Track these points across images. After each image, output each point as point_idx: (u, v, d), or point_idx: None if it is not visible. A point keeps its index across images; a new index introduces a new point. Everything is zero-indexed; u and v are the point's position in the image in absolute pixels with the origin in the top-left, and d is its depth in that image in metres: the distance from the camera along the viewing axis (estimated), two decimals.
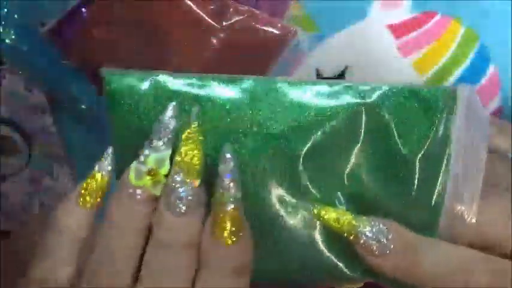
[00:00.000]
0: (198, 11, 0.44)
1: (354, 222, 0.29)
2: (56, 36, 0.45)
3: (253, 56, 0.45)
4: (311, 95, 0.30)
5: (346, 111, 0.30)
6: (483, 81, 0.49)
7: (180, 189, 0.28)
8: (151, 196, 0.29)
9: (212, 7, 0.44)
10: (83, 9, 0.45)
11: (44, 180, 0.51)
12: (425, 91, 0.31)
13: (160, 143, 0.28)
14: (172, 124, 0.29)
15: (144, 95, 0.30)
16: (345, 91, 0.31)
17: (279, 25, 0.45)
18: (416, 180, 0.31)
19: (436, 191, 0.31)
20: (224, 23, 0.44)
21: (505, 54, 0.49)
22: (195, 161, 0.28)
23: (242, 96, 0.30)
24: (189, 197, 0.28)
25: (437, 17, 0.49)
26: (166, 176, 0.28)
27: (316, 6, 0.49)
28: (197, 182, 0.28)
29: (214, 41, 0.44)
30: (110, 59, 0.46)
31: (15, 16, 0.45)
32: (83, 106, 0.48)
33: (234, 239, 0.27)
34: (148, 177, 0.28)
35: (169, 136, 0.29)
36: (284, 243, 0.31)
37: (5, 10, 0.45)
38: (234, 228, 0.27)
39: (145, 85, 0.30)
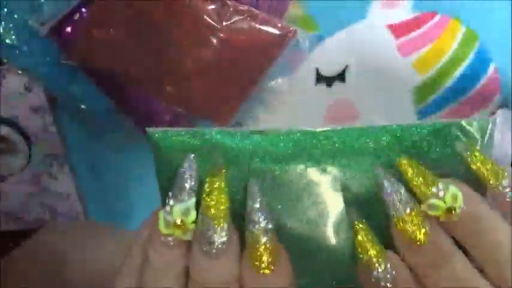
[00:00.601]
0: (198, 11, 0.44)
1: (373, 265, 0.30)
2: (56, 36, 0.46)
3: (253, 56, 0.45)
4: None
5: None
6: (483, 81, 0.49)
7: (211, 234, 0.29)
8: (184, 241, 0.30)
9: (212, 7, 0.44)
10: (83, 9, 0.45)
11: (44, 180, 0.51)
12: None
13: (184, 193, 0.29)
14: (192, 174, 0.30)
15: (195, 150, 0.31)
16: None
17: (279, 25, 0.45)
18: None
19: None
20: (224, 23, 0.44)
21: (505, 54, 0.49)
22: (221, 206, 0.29)
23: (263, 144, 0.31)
24: (220, 240, 0.29)
25: (437, 17, 0.49)
26: (195, 221, 0.29)
27: (316, 6, 0.49)
28: (225, 225, 0.29)
29: (214, 40, 0.44)
30: (110, 59, 0.46)
31: (15, 16, 0.45)
32: (83, 106, 0.48)
33: (273, 268, 0.29)
34: (177, 229, 0.29)
35: (191, 186, 0.30)
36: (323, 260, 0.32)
37: (5, 10, 0.45)
38: (271, 259, 0.29)
39: (194, 141, 0.31)
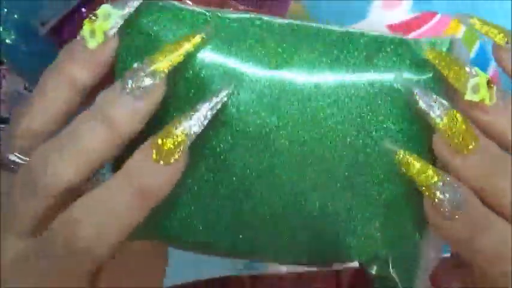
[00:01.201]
0: None
1: (434, 179, 0.28)
2: (56, 36, 0.45)
3: None
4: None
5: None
6: None
7: (142, 75, 0.28)
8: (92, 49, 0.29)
9: (212, 7, 0.44)
10: (83, 9, 0.45)
11: None
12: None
13: (119, 2, 0.29)
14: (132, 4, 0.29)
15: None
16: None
17: None
18: None
19: None
20: None
21: None
22: (171, 58, 0.28)
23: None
24: (148, 83, 0.28)
25: (437, 17, 0.49)
26: (104, 33, 0.29)
27: (316, 7, 0.49)
28: (161, 74, 0.28)
29: None
30: None
31: (15, 16, 0.45)
32: None
33: (165, 161, 0.27)
34: (87, 21, 0.29)
35: (128, 6, 0.29)
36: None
37: (5, 10, 0.45)
38: (171, 151, 0.27)
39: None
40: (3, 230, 0.29)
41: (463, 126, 0.28)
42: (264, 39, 0.30)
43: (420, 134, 0.30)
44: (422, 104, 0.29)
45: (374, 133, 0.30)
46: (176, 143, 0.27)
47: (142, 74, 0.28)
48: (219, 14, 0.31)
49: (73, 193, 0.28)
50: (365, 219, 0.31)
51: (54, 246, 0.27)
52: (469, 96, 0.29)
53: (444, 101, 0.29)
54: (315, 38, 0.30)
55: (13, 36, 0.45)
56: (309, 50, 0.30)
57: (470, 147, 0.28)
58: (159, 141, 0.27)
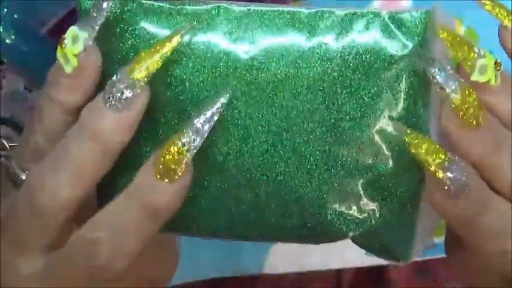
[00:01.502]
0: None
1: (441, 157, 0.28)
2: (56, 36, 0.45)
3: None
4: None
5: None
6: None
7: (121, 86, 0.27)
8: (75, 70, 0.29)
9: None
10: None
11: None
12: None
13: (86, 24, 0.28)
14: (99, 16, 0.29)
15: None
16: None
17: None
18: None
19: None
20: None
21: (505, 54, 0.49)
22: (148, 64, 0.28)
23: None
24: (127, 95, 0.27)
25: None
26: (76, 56, 0.28)
27: (315, 6, 0.49)
28: (140, 83, 0.28)
29: None
30: None
31: (15, 16, 0.45)
32: None
33: (169, 179, 0.27)
34: (59, 47, 0.28)
35: (94, 23, 0.29)
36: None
37: (5, 10, 0.45)
38: (173, 169, 0.27)
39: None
40: (10, 249, 0.29)
41: (476, 101, 0.28)
42: (233, 24, 0.30)
43: (399, 110, 0.30)
44: (440, 79, 0.28)
45: (348, 109, 0.30)
46: (177, 160, 0.27)
47: (122, 86, 0.27)
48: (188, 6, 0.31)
49: (82, 207, 0.29)
50: (355, 195, 0.31)
51: (73, 262, 0.28)
52: (475, 76, 0.29)
53: (458, 76, 0.28)
54: (285, 18, 0.30)
55: (13, 36, 0.45)
56: (279, 30, 0.30)
57: (481, 121, 0.28)
58: (161, 160, 0.27)
